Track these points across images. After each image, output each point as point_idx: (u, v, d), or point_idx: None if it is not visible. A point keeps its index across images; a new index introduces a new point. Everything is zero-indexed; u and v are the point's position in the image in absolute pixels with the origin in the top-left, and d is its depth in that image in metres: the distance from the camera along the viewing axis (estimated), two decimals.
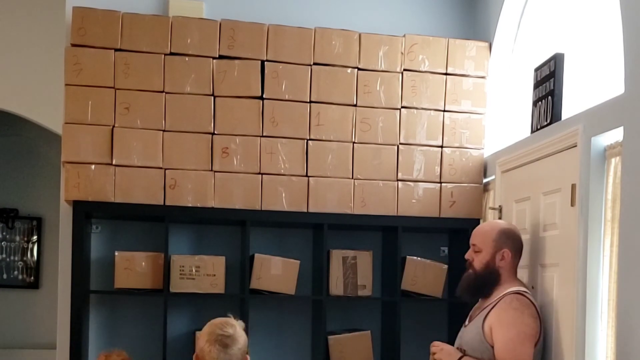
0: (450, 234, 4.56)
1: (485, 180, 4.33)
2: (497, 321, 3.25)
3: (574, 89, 3.55)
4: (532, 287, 3.57)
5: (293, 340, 4.50)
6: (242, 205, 4.07)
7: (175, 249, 4.23)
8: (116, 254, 4.08)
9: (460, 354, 3.31)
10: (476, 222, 4.27)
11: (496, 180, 4.08)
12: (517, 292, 3.30)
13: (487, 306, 3.36)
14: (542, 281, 3.51)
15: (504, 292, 3.31)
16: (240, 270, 4.32)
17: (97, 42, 3.97)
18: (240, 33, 4.09)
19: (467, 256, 3.45)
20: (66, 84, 3.96)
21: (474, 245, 3.42)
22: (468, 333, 3.40)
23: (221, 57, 4.09)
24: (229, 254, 4.24)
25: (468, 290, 3.45)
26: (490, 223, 3.58)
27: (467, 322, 3.50)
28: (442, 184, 4.28)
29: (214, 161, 4.06)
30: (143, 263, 4.07)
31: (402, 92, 4.25)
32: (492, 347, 3.24)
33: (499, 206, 3.98)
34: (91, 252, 4.26)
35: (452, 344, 3.50)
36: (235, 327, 2.86)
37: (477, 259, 3.40)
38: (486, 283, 3.38)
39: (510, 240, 3.40)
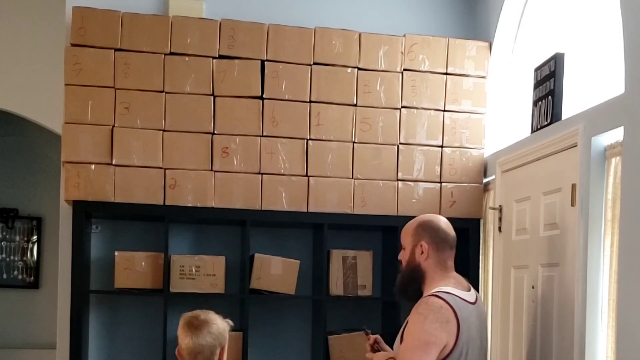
0: None
1: (485, 180, 4.33)
2: (408, 327, 2.96)
3: (574, 89, 3.55)
4: (533, 287, 3.57)
5: (293, 340, 4.50)
6: (242, 205, 4.07)
7: (175, 249, 4.23)
8: (116, 254, 4.08)
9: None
10: (476, 222, 4.28)
11: (496, 180, 4.07)
12: (433, 294, 2.94)
13: (411, 309, 3.04)
14: (542, 281, 3.51)
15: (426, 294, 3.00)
16: (240, 270, 4.32)
17: (97, 42, 3.96)
18: (240, 33, 4.09)
19: (399, 257, 3.19)
20: (66, 84, 3.96)
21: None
22: (398, 338, 3.09)
23: (221, 57, 4.09)
24: (229, 254, 4.24)
25: (398, 291, 3.16)
26: (414, 219, 3.20)
27: None
28: (442, 184, 4.28)
29: (214, 161, 4.06)
30: (143, 263, 4.07)
31: (402, 92, 4.25)
32: None
33: (499, 206, 3.98)
34: (91, 252, 4.26)
35: None
36: (209, 314, 3.01)
37: (402, 258, 3.14)
38: (410, 281, 3.08)
39: (427, 232, 3.07)
